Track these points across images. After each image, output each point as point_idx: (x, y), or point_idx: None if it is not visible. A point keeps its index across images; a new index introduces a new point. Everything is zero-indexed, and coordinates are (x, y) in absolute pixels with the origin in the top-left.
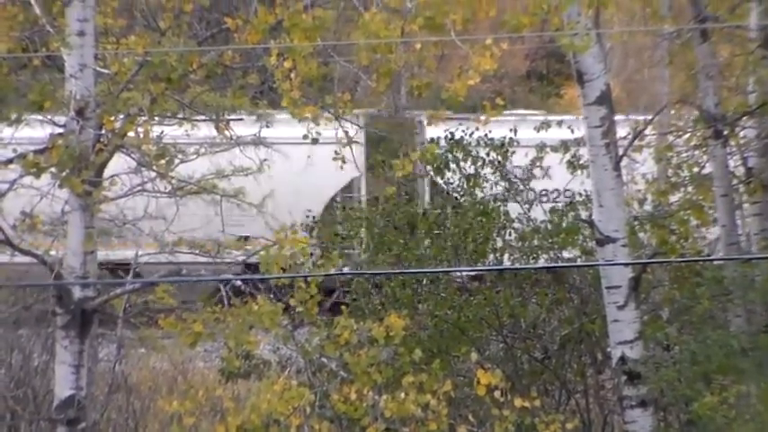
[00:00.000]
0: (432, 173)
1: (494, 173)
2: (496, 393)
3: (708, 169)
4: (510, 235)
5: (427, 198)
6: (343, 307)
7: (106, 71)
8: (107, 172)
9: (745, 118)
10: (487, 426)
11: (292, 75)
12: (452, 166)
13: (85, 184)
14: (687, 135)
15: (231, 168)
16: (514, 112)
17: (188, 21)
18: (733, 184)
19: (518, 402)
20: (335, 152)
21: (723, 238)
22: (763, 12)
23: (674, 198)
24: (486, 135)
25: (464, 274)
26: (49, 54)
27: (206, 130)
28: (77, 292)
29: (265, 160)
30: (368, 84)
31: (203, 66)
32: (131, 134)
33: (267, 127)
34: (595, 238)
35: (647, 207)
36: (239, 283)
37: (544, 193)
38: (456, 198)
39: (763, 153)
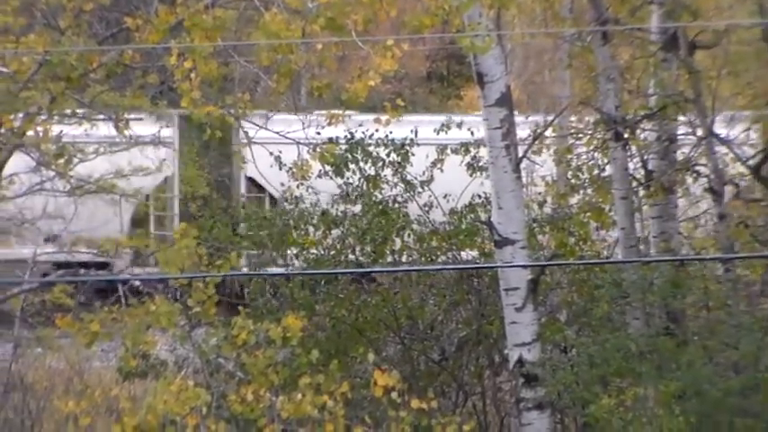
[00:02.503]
0: (332, 172)
1: (394, 174)
2: (393, 395)
3: (608, 171)
4: (409, 236)
5: (243, 191)
6: (240, 307)
7: (5, 70)
8: (6, 171)
9: (645, 120)
10: (384, 427)
11: (192, 75)
12: (352, 166)
13: None
14: (587, 137)
15: (130, 168)
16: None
17: (88, 20)
18: (633, 186)
19: (415, 404)
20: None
21: (622, 240)
22: (663, 14)
23: (573, 200)
24: (386, 136)
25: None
26: None
27: (105, 130)
28: None
29: (164, 160)
30: (268, 84)
31: (103, 65)
32: (30, 133)
33: (167, 127)
34: (494, 239)
35: (547, 209)
36: (137, 282)
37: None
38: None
39: (662, 156)
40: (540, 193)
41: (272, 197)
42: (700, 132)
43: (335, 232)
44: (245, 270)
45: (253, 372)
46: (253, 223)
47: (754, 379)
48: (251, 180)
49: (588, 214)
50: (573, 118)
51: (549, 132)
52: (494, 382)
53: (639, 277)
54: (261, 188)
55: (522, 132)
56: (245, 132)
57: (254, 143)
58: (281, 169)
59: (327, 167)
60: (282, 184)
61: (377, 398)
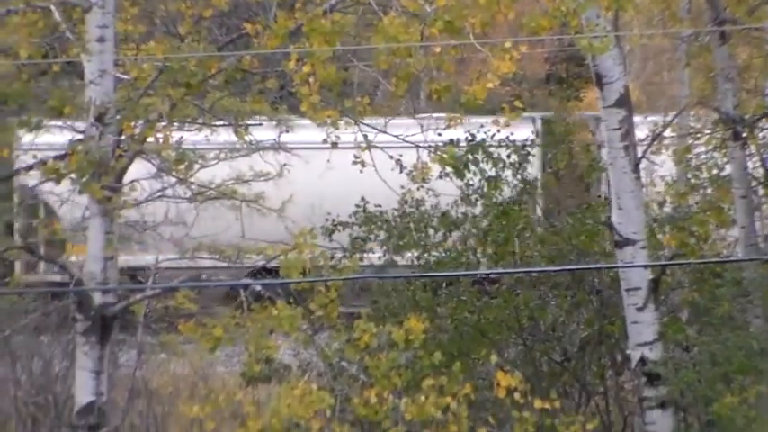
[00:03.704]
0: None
1: (514, 175)
2: (516, 395)
3: (727, 171)
4: (530, 238)
5: None
6: (362, 310)
7: (126, 77)
8: (127, 178)
9: (763, 120)
10: (507, 428)
11: (311, 79)
12: (472, 168)
13: (105, 189)
14: (706, 137)
15: (251, 173)
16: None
17: (207, 26)
18: (752, 185)
19: (538, 404)
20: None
21: (742, 239)
22: None
23: (693, 200)
24: (507, 138)
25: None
26: (69, 60)
27: (225, 136)
28: (98, 298)
29: (285, 165)
30: (387, 88)
31: (223, 71)
32: (151, 140)
33: (287, 132)
34: (614, 240)
35: (667, 209)
36: (259, 287)
37: None
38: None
39: None
40: (659, 193)
41: None
42: None
43: (456, 234)
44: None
45: (376, 374)
46: (373, 226)
47: None
48: None
49: (708, 213)
50: (691, 118)
51: (667, 132)
52: (616, 382)
53: (760, 276)
54: None
55: (641, 133)
56: (365, 136)
57: (374, 147)
58: (401, 172)
59: (448, 169)
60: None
61: (500, 399)
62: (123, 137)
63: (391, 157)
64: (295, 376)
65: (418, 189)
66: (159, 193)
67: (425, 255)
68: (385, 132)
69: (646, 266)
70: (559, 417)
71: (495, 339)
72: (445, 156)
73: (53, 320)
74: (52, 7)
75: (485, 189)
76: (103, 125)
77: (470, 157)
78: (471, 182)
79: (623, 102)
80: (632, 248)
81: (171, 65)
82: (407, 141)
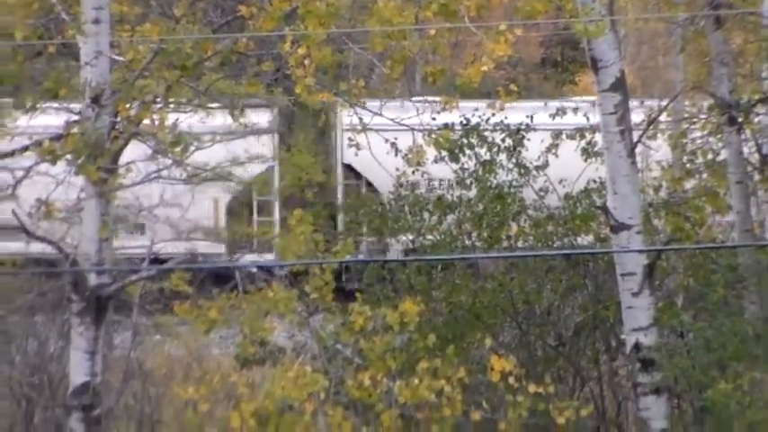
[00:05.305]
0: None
1: (509, 159)
2: (510, 379)
3: (722, 156)
4: (525, 222)
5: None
6: (357, 293)
7: (121, 59)
8: (122, 159)
9: (759, 105)
10: (501, 411)
11: (306, 62)
12: (467, 151)
13: (101, 171)
14: (702, 122)
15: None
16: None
17: (203, 8)
18: (748, 170)
19: (532, 388)
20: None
21: (738, 224)
22: None
23: (688, 185)
24: (501, 121)
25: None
26: (64, 42)
27: (221, 118)
28: (93, 279)
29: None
30: (382, 71)
31: (218, 53)
32: (146, 121)
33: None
34: (610, 224)
35: (662, 194)
36: (254, 269)
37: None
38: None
39: None
40: (655, 178)
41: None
42: None
43: (451, 217)
44: (361, 257)
45: (370, 357)
46: (368, 210)
47: None
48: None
49: (704, 199)
50: (687, 103)
51: (663, 117)
52: (610, 367)
53: (755, 261)
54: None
55: (637, 117)
56: (360, 119)
57: (370, 129)
58: (396, 155)
59: (443, 153)
60: (399, 171)
61: (494, 383)
62: (119, 118)
63: (386, 141)
64: (289, 359)
65: (413, 173)
66: (155, 175)
67: (420, 238)
68: (380, 115)
69: (641, 251)
70: (553, 401)
71: (489, 323)
72: (441, 139)
73: (48, 300)
74: None
75: (479, 173)
76: (99, 107)
77: (465, 141)
78: (466, 165)
79: (619, 86)
80: (627, 233)
81: (166, 47)
82: (403, 124)
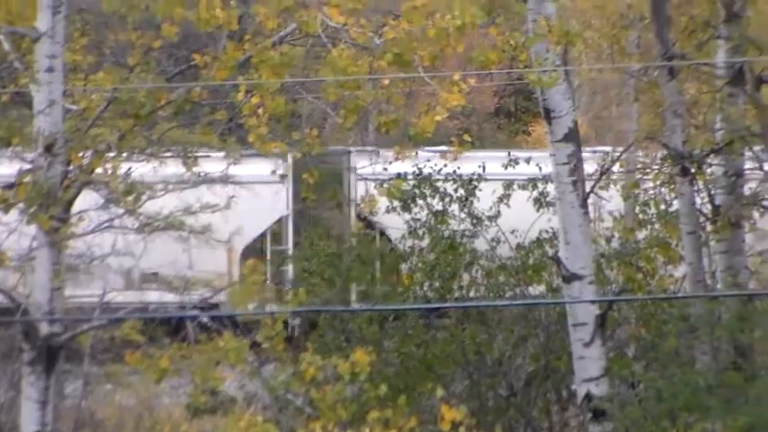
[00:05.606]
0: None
1: (461, 209)
2: (461, 430)
3: (675, 207)
4: (476, 272)
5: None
6: (308, 343)
7: (75, 107)
8: (75, 208)
9: (712, 155)
10: None
11: (260, 111)
12: (419, 201)
13: (53, 220)
14: (655, 172)
15: (198, 205)
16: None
17: (156, 57)
18: (700, 221)
19: None
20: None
21: (690, 275)
22: (730, 49)
23: (641, 235)
24: (454, 171)
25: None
26: (17, 90)
27: (174, 167)
28: (44, 328)
29: (233, 197)
30: (335, 120)
31: (172, 102)
32: (99, 170)
33: (234, 164)
34: (562, 275)
35: (614, 244)
36: (206, 319)
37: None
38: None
39: (730, 191)
40: (607, 229)
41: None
42: (767, 167)
43: (403, 267)
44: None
45: (321, 407)
46: (321, 259)
47: None
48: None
49: (656, 249)
50: (640, 153)
51: (616, 167)
52: (562, 418)
53: (707, 312)
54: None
55: (590, 167)
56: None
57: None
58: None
59: (395, 203)
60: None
61: None
62: (71, 167)
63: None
64: (240, 408)
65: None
66: (107, 224)
67: (372, 288)
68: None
69: (593, 302)
70: None
71: (441, 373)
72: (393, 189)
73: None
74: (1, 36)
75: (432, 223)
76: (52, 155)
77: (417, 191)
78: (418, 215)
79: (572, 137)
80: (580, 283)
81: (120, 95)
82: (358, 174)
